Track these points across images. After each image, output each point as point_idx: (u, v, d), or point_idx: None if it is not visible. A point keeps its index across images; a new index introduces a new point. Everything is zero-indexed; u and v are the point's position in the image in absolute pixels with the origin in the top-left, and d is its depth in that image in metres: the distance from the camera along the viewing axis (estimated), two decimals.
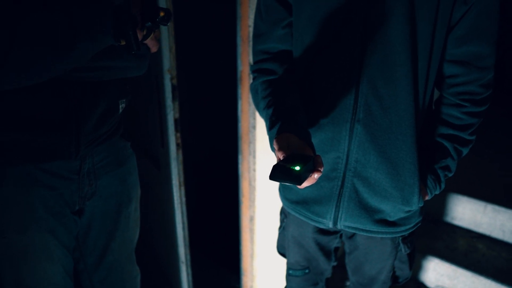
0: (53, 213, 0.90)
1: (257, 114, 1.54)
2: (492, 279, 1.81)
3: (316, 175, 0.73)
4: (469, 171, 2.38)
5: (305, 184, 0.73)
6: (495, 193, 2.16)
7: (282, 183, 0.69)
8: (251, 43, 1.48)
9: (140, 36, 0.86)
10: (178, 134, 1.34)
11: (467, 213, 2.16)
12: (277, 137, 0.81)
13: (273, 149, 0.83)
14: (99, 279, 1.10)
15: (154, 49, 0.97)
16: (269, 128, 0.90)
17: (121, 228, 1.08)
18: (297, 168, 0.67)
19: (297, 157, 0.73)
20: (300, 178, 0.67)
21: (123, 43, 0.81)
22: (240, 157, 1.64)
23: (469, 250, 2.02)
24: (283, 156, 0.75)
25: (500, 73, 4.59)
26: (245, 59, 1.49)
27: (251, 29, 1.45)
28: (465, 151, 1.02)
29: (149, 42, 0.92)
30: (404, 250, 1.11)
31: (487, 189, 2.21)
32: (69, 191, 0.93)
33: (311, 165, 0.72)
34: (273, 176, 0.69)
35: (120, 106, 1.01)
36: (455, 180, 2.24)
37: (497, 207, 2.04)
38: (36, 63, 0.71)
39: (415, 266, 2.04)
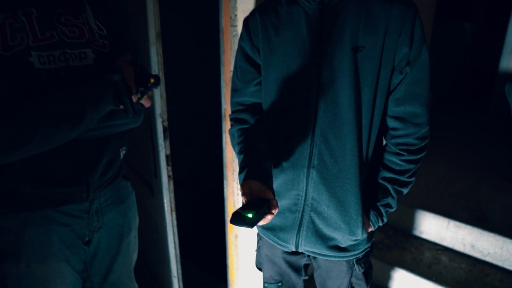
0: (67, 245, 1.10)
1: None
2: None
3: (269, 217, 0.92)
4: (434, 191, 2.59)
5: (261, 223, 0.92)
6: (459, 211, 2.36)
7: (238, 226, 0.89)
8: None
9: (135, 99, 1.08)
10: (170, 168, 1.55)
11: (433, 228, 2.35)
12: (242, 184, 1.00)
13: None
14: None
15: (147, 105, 1.18)
16: (239, 172, 1.10)
17: (123, 253, 1.27)
18: (250, 215, 0.85)
19: (255, 203, 0.91)
20: (252, 223, 0.85)
21: (121, 107, 1.03)
22: (225, 182, 1.84)
23: (433, 262, 2.22)
24: (245, 201, 0.96)
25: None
26: (228, 99, 1.69)
27: (232, 79, 1.65)
28: (404, 190, 1.16)
29: (143, 101, 1.14)
30: (358, 269, 1.27)
31: (452, 206, 2.42)
32: (80, 227, 1.13)
33: (266, 209, 0.91)
34: (232, 221, 0.87)
35: (121, 154, 1.22)
36: (423, 198, 2.47)
37: (458, 223, 2.24)
38: (57, 135, 0.92)
39: (384, 277, 2.24)
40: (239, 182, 1.07)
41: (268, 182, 1.04)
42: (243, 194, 0.97)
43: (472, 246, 2.23)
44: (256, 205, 0.91)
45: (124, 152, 1.24)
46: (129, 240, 1.30)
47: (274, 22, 1.11)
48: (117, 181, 1.23)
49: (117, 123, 1.11)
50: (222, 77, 1.67)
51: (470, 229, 2.21)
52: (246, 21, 1.18)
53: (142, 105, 1.17)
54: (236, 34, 1.59)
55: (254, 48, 1.17)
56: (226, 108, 1.70)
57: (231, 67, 1.65)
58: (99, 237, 1.21)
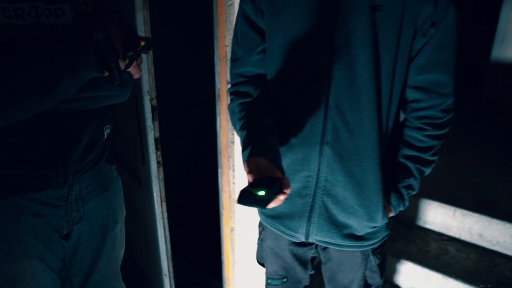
0: (41, 240, 0.94)
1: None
2: (461, 280, 1.91)
3: (282, 197, 0.79)
4: (440, 177, 2.50)
5: (272, 205, 0.78)
6: (464, 199, 2.27)
7: (249, 206, 0.75)
8: (228, 61, 1.54)
9: (122, 66, 0.91)
10: (159, 153, 1.39)
11: (438, 217, 2.26)
12: (247, 161, 0.87)
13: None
14: None
15: (137, 75, 1.01)
16: (242, 150, 0.97)
17: (107, 249, 1.12)
18: (262, 193, 0.73)
19: (264, 181, 0.79)
20: (264, 202, 0.73)
21: (106, 74, 0.86)
22: (220, 171, 1.69)
23: (440, 253, 2.12)
24: (252, 179, 0.82)
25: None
26: (223, 77, 1.54)
27: (228, 49, 1.50)
28: (427, 170, 1.08)
29: (132, 69, 0.97)
30: (374, 261, 1.17)
31: (457, 194, 2.33)
32: (57, 217, 0.97)
33: (277, 188, 0.78)
34: (240, 201, 0.74)
35: (105, 133, 1.05)
36: (427, 186, 2.37)
37: (465, 211, 2.15)
38: (24, 98, 0.75)
39: (390, 270, 2.13)
40: (243, 160, 0.93)
41: (276, 160, 0.92)
42: (249, 172, 0.84)
43: (480, 235, 2.14)
44: (266, 183, 0.78)
45: (108, 131, 1.07)
46: (114, 233, 1.14)
47: None
48: (100, 164, 1.07)
49: (101, 94, 0.95)
50: (216, 53, 1.52)
51: (477, 217, 2.11)
52: None
53: (130, 74, 1.00)
54: (232, 4, 1.44)
55: (257, 11, 1.04)
56: (221, 87, 1.54)
57: (226, 42, 1.50)
58: (80, 230, 1.05)
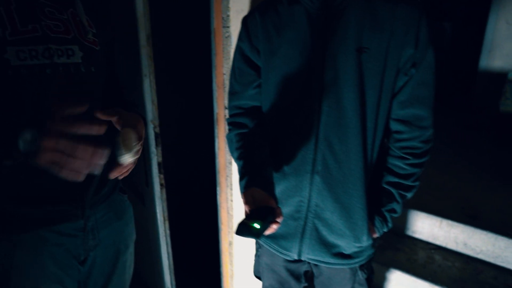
0: (61, 266, 1.02)
1: None
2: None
3: (275, 226, 0.89)
4: (428, 189, 2.61)
5: (266, 233, 0.88)
6: (450, 210, 2.37)
7: (245, 237, 0.85)
8: (226, 88, 1.64)
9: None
10: (162, 176, 1.49)
11: (426, 227, 2.36)
12: (244, 192, 0.97)
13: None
14: None
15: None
16: (240, 180, 1.06)
17: (118, 272, 1.20)
18: (257, 226, 0.83)
19: (259, 212, 0.88)
20: (258, 234, 0.83)
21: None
22: (218, 189, 1.79)
23: (427, 261, 2.22)
24: (249, 210, 0.92)
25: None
26: (221, 102, 1.64)
27: (225, 76, 1.60)
28: (409, 195, 1.16)
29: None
30: (361, 275, 1.24)
31: (443, 205, 2.43)
32: (75, 246, 1.05)
33: (271, 218, 0.88)
34: (238, 232, 0.84)
35: None
36: (416, 197, 2.47)
37: (450, 222, 2.25)
38: None
39: (380, 278, 2.23)
40: (241, 190, 1.03)
41: (270, 190, 1.01)
42: (246, 203, 0.94)
43: (465, 244, 2.25)
44: (261, 214, 0.88)
45: None
46: (125, 258, 1.23)
47: (275, 22, 1.07)
48: (114, 195, 1.16)
49: None
50: (214, 80, 1.62)
51: (462, 227, 2.22)
52: (245, 21, 1.14)
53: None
54: (228, 36, 1.54)
55: (253, 49, 1.13)
56: (219, 112, 1.65)
57: (224, 70, 1.60)
58: (94, 255, 1.13)
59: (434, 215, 2.31)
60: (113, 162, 0.90)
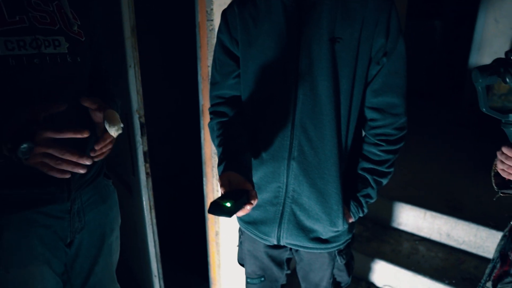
0: (48, 248, 1.05)
1: None
2: (428, 277, 2.06)
3: (248, 207, 0.90)
4: (412, 181, 2.66)
5: (240, 214, 0.90)
6: (434, 201, 2.43)
7: (217, 216, 0.87)
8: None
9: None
10: (148, 165, 1.52)
11: (411, 219, 2.41)
12: (220, 175, 0.99)
13: None
14: None
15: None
16: (218, 165, 1.10)
17: (104, 254, 1.23)
18: (228, 204, 0.84)
19: (233, 194, 0.90)
20: (230, 212, 0.84)
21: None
22: (204, 179, 1.82)
23: (411, 252, 2.27)
24: (223, 192, 0.94)
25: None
26: (206, 94, 1.68)
27: (210, 69, 1.64)
28: (384, 181, 1.19)
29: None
30: (340, 260, 1.28)
31: (428, 197, 2.49)
32: (62, 228, 1.08)
33: (244, 199, 0.89)
34: (210, 211, 0.86)
35: None
36: (401, 190, 2.53)
37: (434, 213, 2.31)
38: None
39: (365, 269, 2.28)
40: (218, 174, 1.06)
41: (247, 174, 1.03)
42: (221, 186, 0.96)
43: (448, 235, 2.30)
44: (235, 195, 0.89)
45: None
46: (110, 241, 1.26)
47: (252, 14, 1.11)
48: (99, 179, 1.19)
49: None
50: (199, 72, 1.66)
51: (446, 218, 2.27)
52: (224, 13, 1.18)
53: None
54: (212, 29, 1.58)
55: (233, 40, 1.16)
56: (204, 103, 1.68)
57: (209, 62, 1.64)
58: (81, 238, 1.17)
59: (418, 206, 2.36)
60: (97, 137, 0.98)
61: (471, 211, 2.31)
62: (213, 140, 1.24)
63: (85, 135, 0.85)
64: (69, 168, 0.85)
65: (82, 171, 0.87)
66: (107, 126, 0.96)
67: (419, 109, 4.43)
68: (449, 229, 2.28)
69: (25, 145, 0.79)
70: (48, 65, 0.97)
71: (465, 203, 2.41)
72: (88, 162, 0.87)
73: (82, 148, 1.06)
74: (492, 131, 3.42)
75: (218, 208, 0.85)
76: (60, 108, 0.87)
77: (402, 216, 2.45)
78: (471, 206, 2.38)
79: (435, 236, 2.34)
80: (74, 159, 0.84)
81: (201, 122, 1.71)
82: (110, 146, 1.04)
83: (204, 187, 1.83)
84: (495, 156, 1.02)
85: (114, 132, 0.95)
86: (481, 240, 2.19)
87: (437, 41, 5.27)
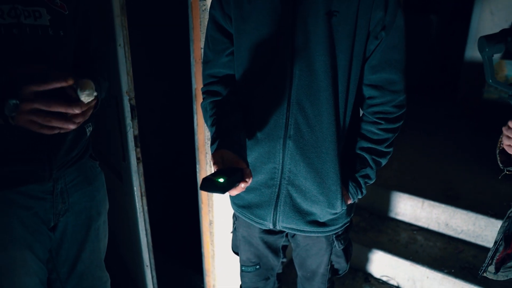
0: (30, 231, 1.00)
1: None
2: (427, 266, 2.03)
3: (242, 185, 0.86)
4: (410, 171, 2.63)
5: (234, 192, 0.86)
6: (432, 191, 2.40)
7: (210, 192, 0.82)
8: None
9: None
10: (138, 149, 1.47)
11: (408, 208, 2.38)
12: (213, 153, 0.95)
13: None
14: (71, 286, 1.19)
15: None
16: (211, 144, 1.05)
17: (91, 240, 1.18)
18: (221, 180, 0.80)
19: (226, 171, 0.85)
20: (224, 188, 0.79)
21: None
22: (198, 166, 1.77)
23: (409, 242, 2.24)
24: (216, 169, 0.90)
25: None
26: (199, 77, 1.63)
27: (203, 51, 1.59)
28: (383, 161, 1.16)
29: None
30: (338, 246, 1.25)
31: (425, 187, 2.45)
32: (44, 210, 1.03)
33: (238, 177, 0.85)
34: (202, 187, 0.81)
35: (87, 130, 1.12)
36: (398, 179, 2.50)
37: (432, 202, 2.28)
38: None
39: (362, 259, 2.25)
40: (211, 153, 1.02)
41: (241, 153, 0.99)
42: (214, 163, 0.92)
43: (446, 225, 2.27)
44: (228, 173, 0.85)
45: (90, 129, 1.15)
46: (98, 225, 1.21)
47: None
48: (84, 160, 1.14)
49: None
50: (192, 54, 1.61)
51: (444, 207, 2.24)
52: None
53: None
54: (205, 9, 1.53)
55: (225, 16, 1.12)
56: (197, 87, 1.63)
57: (201, 44, 1.59)
58: (66, 222, 1.11)
59: (416, 196, 2.33)
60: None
61: (469, 200, 2.28)
62: (206, 121, 1.20)
63: (70, 82, 0.81)
64: (59, 124, 0.82)
65: (72, 127, 0.84)
66: (78, 92, 0.87)
67: (414, 103, 4.42)
68: (448, 218, 2.25)
69: (11, 102, 0.78)
70: (28, 36, 0.92)
71: (463, 192, 2.38)
72: (77, 111, 0.83)
73: (63, 136, 1.01)
74: (486, 124, 3.44)
75: (210, 184, 0.80)
76: (40, 69, 0.84)
77: (399, 205, 2.41)
78: (469, 195, 2.35)
79: (433, 226, 2.31)
80: (62, 109, 0.81)
81: (194, 107, 1.66)
82: (89, 112, 0.95)
83: (198, 174, 1.78)
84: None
85: (84, 97, 0.87)
86: (480, 229, 2.16)
87: (433, 35, 5.26)
